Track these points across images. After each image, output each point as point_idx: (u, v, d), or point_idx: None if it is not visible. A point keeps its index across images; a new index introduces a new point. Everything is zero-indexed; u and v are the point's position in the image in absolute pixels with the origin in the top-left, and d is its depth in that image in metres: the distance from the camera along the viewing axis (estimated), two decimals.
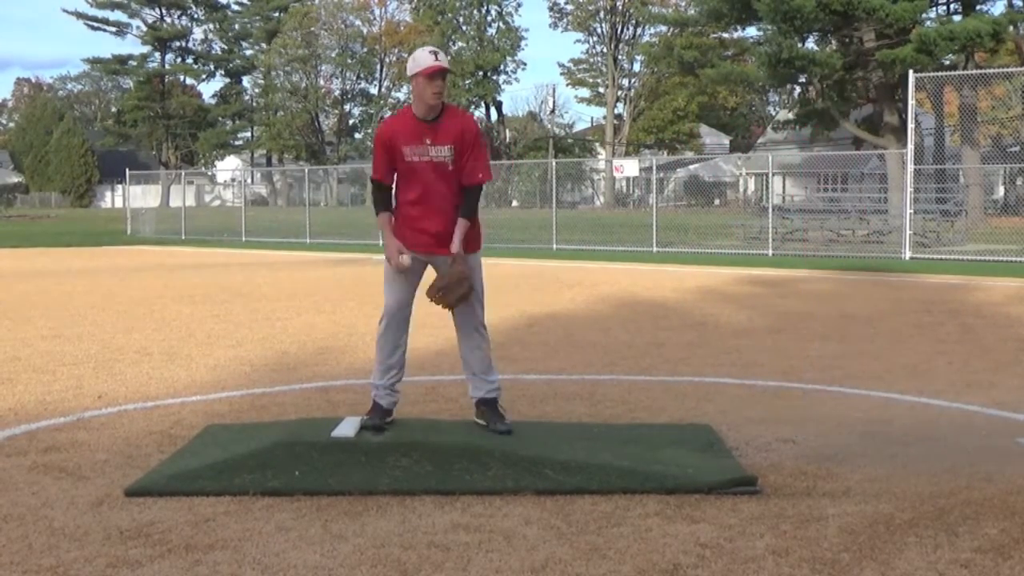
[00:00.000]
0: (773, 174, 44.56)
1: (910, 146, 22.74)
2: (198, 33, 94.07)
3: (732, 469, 5.07)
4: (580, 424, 6.23)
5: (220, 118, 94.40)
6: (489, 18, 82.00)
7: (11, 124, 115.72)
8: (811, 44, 37.60)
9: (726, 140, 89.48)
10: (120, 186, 78.05)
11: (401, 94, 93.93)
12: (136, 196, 56.76)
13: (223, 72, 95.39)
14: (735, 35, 42.06)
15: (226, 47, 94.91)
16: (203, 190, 74.39)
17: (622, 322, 11.53)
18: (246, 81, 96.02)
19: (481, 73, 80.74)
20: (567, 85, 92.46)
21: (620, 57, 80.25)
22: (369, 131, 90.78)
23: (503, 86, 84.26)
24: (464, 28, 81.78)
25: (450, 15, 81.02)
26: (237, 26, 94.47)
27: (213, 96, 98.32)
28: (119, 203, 77.86)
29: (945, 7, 36.53)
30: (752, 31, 40.12)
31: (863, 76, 36.07)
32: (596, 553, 4.04)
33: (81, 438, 5.96)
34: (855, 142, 42.80)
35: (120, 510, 4.61)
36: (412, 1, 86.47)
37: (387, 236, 5.71)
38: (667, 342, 9.88)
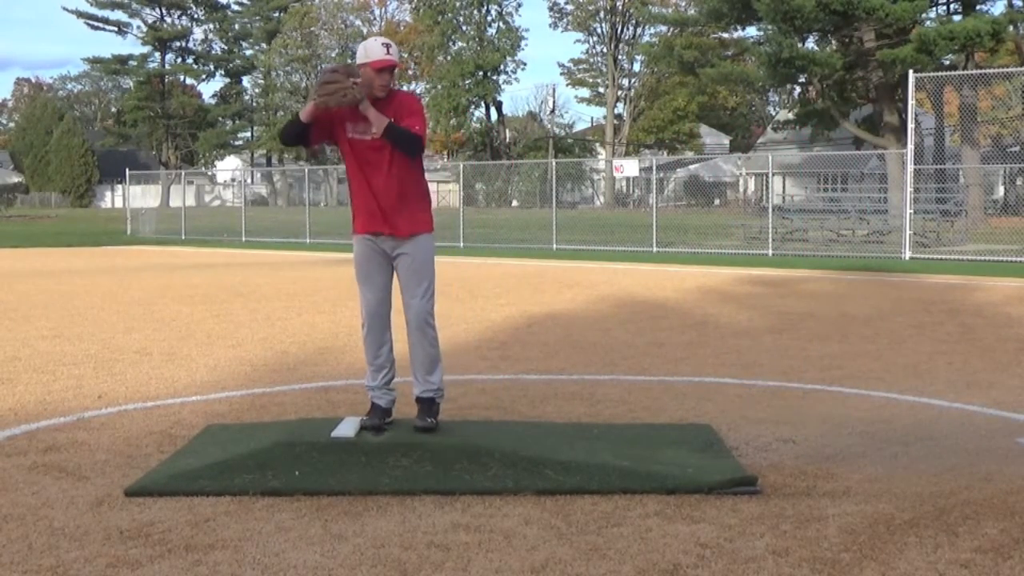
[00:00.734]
0: (773, 174, 44.54)
1: (910, 146, 22.74)
2: (198, 33, 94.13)
3: (732, 469, 5.07)
4: (580, 424, 6.23)
5: (220, 118, 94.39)
6: (489, 18, 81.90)
7: (11, 124, 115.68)
8: (811, 44, 37.61)
9: (726, 140, 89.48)
10: (120, 186, 78.08)
11: None
12: (136, 196, 56.82)
13: (223, 72, 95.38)
14: (735, 35, 42.06)
15: (226, 47, 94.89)
16: (203, 190, 74.47)
17: (622, 322, 11.53)
18: (246, 81, 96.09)
19: (481, 73, 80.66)
20: (567, 85, 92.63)
21: (620, 57, 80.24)
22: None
23: (503, 86, 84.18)
24: (464, 28, 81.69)
25: (450, 15, 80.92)
26: (237, 26, 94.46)
27: (213, 96, 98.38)
28: (119, 203, 77.87)
29: (945, 7, 36.53)
30: (752, 31, 40.13)
31: (863, 76, 36.06)
32: (596, 553, 4.04)
33: (81, 438, 5.96)
34: (855, 142, 42.82)
35: (120, 510, 4.61)
36: (412, 1, 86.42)
37: (308, 104, 5.60)
38: (667, 342, 9.88)
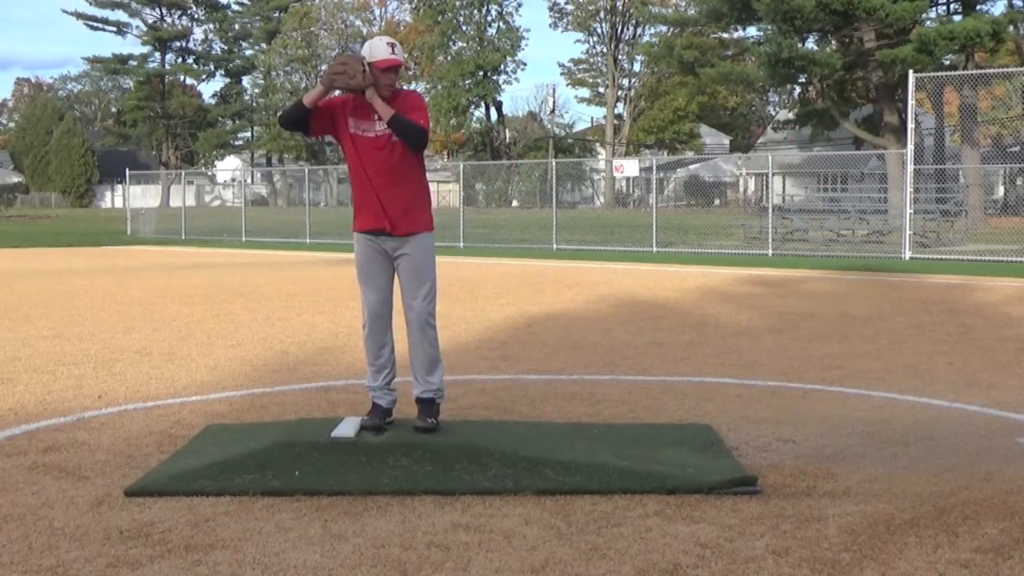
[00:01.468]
0: (773, 174, 44.55)
1: (910, 146, 22.74)
2: (198, 33, 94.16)
3: (732, 469, 5.07)
4: (580, 424, 6.22)
5: (220, 118, 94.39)
6: (489, 18, 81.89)
7: (11, 124, 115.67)
8: (811, 44, 37.61)
9: (726, 140, 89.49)
10: (120, 186, 78.09)
11: None
12: (136, 196, 56.82)
13: (223, 72, 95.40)
14: (735, 35, 42.07)
15: (226, 47, 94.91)
16: (203, 190, 74.45)
17: (622, 322, 11.53)
18: (246, 81, 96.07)
19: (481, 73, 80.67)
20: (567, 85, 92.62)
21: (620, 57, 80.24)
22: None
23: (503, 86, 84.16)
24: (464, 28, 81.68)
25: (450, 15, 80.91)
26: (237, 26, 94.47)
27: (213, 96, 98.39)
28: (119, 203, 77.88)
29: (945, 7, 36.54)
30: (752, 31, 40.15)
31: (863, 76, 36.07)
32: (596, 553, 4.04)
33: (81, 438, 5.96)
34: (855, 142, 42.84)
35: (120, 510, 4.61)
36: (412, 1, 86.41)
37: (314, 90, 5.61)
38: (667, 342, 9.88)
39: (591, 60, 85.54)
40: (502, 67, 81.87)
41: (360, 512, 4.55)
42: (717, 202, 64.37)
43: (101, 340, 10.03)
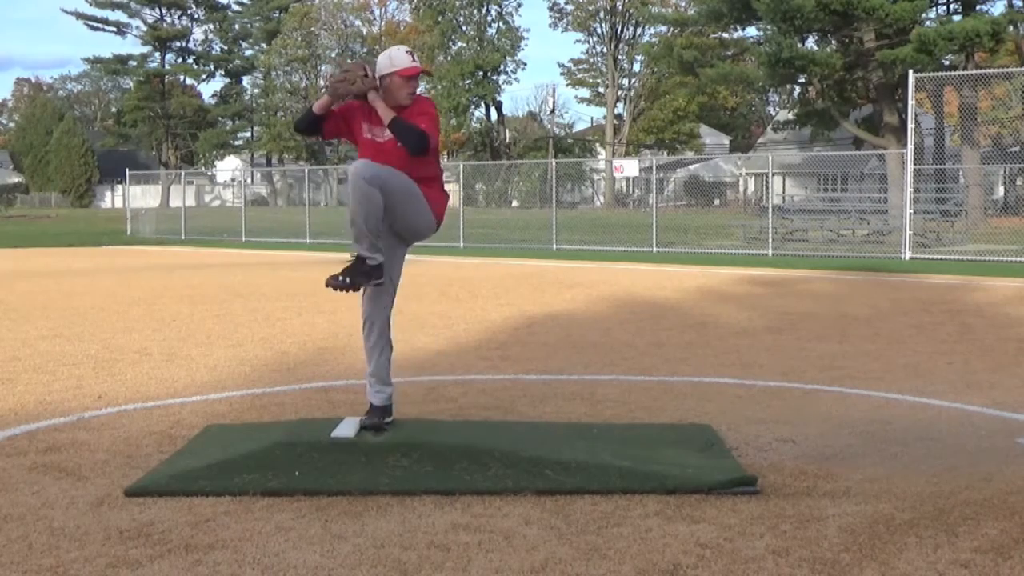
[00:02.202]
0: (773, 174, 44.55)
1: (910, 146, 22.75)
2: (198, 33, 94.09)
3: (732, 469, 5.07)
4: (580, 424, 6.22)
5: (220, 118, 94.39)
6: (489, 18, 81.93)
7: (11, 124, 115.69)
8: (811, 44, 37.59)
9: (726, 140, 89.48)
10: (120, 186, 78.08)
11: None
12: (136, 196, 56.79)
13: (223, 72, 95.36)
14: (735, 35, 42.05)
15: (226, 47, 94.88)
16: (203, 190, 74.38)
17: (622, 322, 11.53)
18: (246, 81, 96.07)
19: (481, 73, 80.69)
20: (567, 85, 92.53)
21: (620, 57, 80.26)
22: None
23: (503, 86, 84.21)
24: (464, 28, 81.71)
25: (450, 15, 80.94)
26: (237, 26, 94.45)
27: (213, 96, 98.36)
28: (119, 203, 77.86)
29: (945, 7, 36.52)
30: (752, 31, 40.13)
31: (863, 76, 36.05)
32: (596, 553, 4.04)
33: (81, 438, 5.96)
34: (855, 142, 42.81)
35: (120, 510, 4.61)
36: (412, 1, 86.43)
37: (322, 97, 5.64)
38: (667, 342, 9.88)
39: (591, 60, 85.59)
40: (502, 67, 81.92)
41: (360, 512, 4.55)
42: (717, 202, 64.35)
43: (101, 340, 10.03)
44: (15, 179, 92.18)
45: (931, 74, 27.04)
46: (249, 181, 69.18)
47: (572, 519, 4.45)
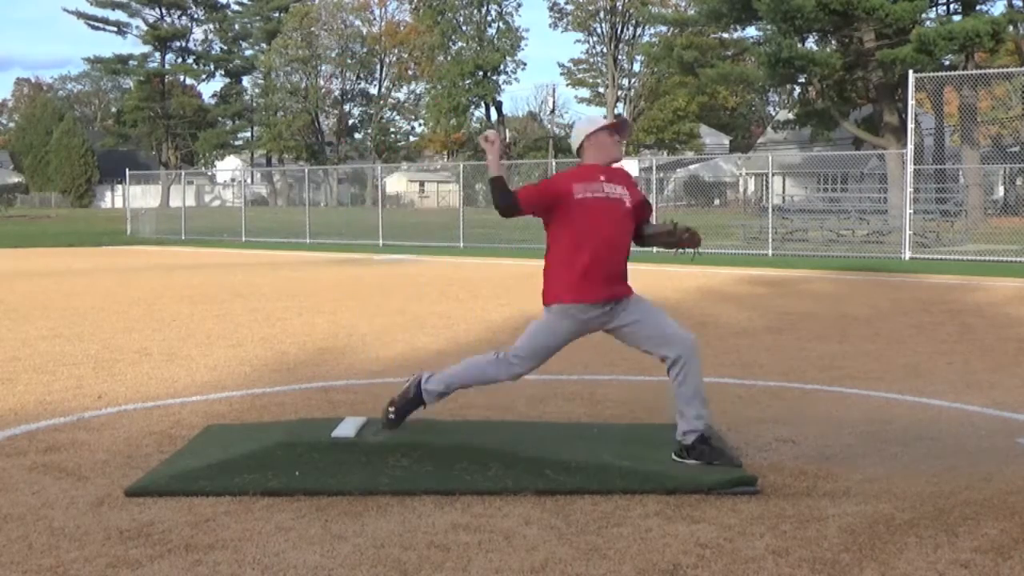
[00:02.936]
0: (773, 174, 44.55)
1: (910, 146, 22.75)
2: (198, 33, 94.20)
3: (732, 469, 5.07)
4: (580, 424, 6.23)
5: (220, 118, 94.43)
6: (489, 18, 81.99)
7: (11, 124, 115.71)
8: (811, 44, 37.61)
9: (726, 140, 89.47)
10: (120, 186, 78.10)
11: (401, 94, 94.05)
12: (136, 196, 56.79)
13: (223, 72, 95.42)
14: (735, 35, 42.07)
15: (226, 47, 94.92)
16: (203, 190, 74.36)
17: None
18: (246, 81, 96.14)
19: (481, 73, 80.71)
20: (567, 85, 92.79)
21: (620, 57, 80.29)
22: (369, 131, 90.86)
23: (503, 86, 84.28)
24: (464, 28, 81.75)
25: (450, 15, 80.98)
26: (237, 26, 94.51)
27: (213, 96, 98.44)
28: (119, 203, 77.87)
29: (945, 7, 36.54)
30: (752, 31, 40.15)
31: (863, 76, 36.07)
32: (596, 553, 4.04)
33: (81, 438, 5.96)
34: (855, 142, 42.81)
35: (120, 510, 4.61)
36: (412, 1, 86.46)
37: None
38: None
39: (591, 60, 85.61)
40: (502, 67, 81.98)
41: (360, 512, 4.55)
42: (717, 202, 64.36)
43: (101, 340, 10.03)
44: (15, 179, 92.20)
45: (931, 74, 27.05)
46: (249, 181, 69.17)
47: (572, 519, 4.45)
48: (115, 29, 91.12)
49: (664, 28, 53.30)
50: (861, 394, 7.27)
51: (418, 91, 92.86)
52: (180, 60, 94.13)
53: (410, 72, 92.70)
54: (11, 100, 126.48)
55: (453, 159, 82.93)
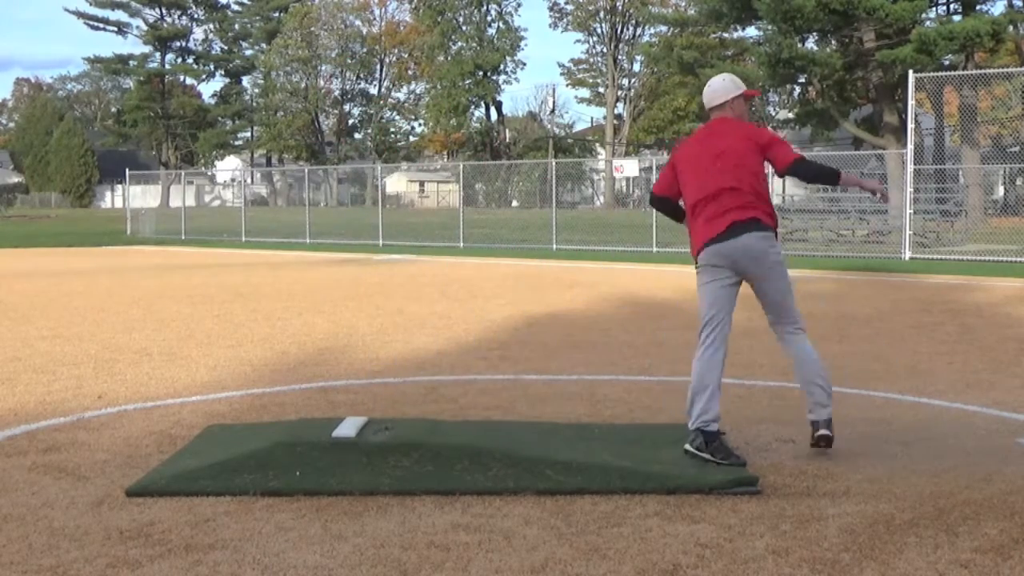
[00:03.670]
0: (773, 174, 44.49)
1: (910, 146, 22.75)
2: (198, 33, 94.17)
3: (733, 469, 5.07)
4: (580, 424, 6.23)
5: (220, 118, 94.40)
6: (489, 18, 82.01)
7: (11, 124, 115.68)
8: (811, 44, 37.60)
9: None
10: (120, 186, 78.13)
11: (401, 94, 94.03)
12: (136, 196, 56.84)
13: (223, 72, 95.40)
14: (735, 35, 42.06)
15: (226, 47, 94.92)
16: (203, 190, 74.45)
17: (622, 322, 11.53)
18: (246, 81, 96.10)
19: (481, 73, 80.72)
20: (567, 85, 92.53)
21: (620, 57, 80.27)
22: (369, 131, 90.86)
23: (503, 86, 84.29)
24: (464, 28, 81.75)
25: (450, 15, 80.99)
26: (237, 26, 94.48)
27: (213, 96, 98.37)
28: (119, 203, 77.90)
29: (945, 7, 36.52)
30: (752, 31, 40.14)
31: (863, 76, 36.05)
32: (596, 553, 4.04)
33: (81, 438, 5.96)
34: (855, 142, 42.79)
35: (120, 510, 4.61)
36: (412, 1, 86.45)
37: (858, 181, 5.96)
38: (667, 342, 9.88)
39: (591, 60, 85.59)
40: (502, 67, 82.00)
41: (360, 512, 4.55)
42: None
43: (101, 340, 10.04)
44: (15, 179, 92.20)
45: (931, 74, 27.04)
46: (249, 181, 69.19)
47: (572, 519, 4.45)
48: (115, 29, 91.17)
49: (664, 28, 53.30)
50: (861, 394, 7.27)
51: (418, 91, 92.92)
52: (180, 60, 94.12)
53: (410, 72, 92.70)
54: (11, 100, 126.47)
55: (453, 159, 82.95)
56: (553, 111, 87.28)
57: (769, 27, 33.82)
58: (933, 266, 19.72)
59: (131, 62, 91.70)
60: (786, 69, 33.26)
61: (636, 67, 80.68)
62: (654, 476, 4.92)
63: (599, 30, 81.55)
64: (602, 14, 79.85)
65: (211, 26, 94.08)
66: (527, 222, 34.97)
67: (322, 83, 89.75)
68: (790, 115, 49.77)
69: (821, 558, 3.98)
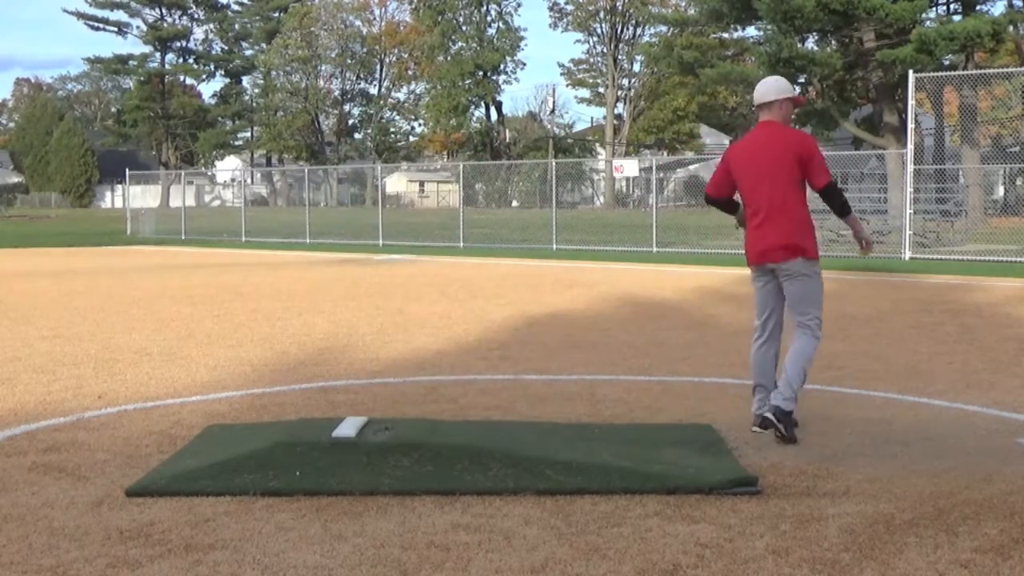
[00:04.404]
0: None
1: (910, 146, 22.74)
2: (198, 33, 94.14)
3: (732, 469, 5.07)
4: (580, 424, 6.22)
5: (220, 118, 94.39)
6: (489, 18, 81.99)
7: (11, 124, 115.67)
8: (811, 44, 37.61)
9: (726, 140, 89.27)
10: (120, 186, 78.11)
11: (401, 94, 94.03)
12: (136, 196, 56.82)
13: (223, 72, 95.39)
14: (735, 35, 42.06)
15: (226, 47, 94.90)
16: (203, 190, 74.37)
17: (622, 322, 11.53)
18: (246, 81, 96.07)
19: (481, 73, 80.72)
20: (567, 85, 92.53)
21: (620, 57, 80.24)
22: (369, 131, 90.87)
23: (503, 86, 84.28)
24: (464, 28, 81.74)
25: (450, 15, 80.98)
26: (237, 26, 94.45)
27: (213, 96, 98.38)
28: (119, 203, 77.89)
29: (945, 7, 36.52)
30: (752, 31, 40.13)
31: (863, 76, 36.06)
32: (596, 553, 4.04)
33: (81, 438, 5.96)
34: (855, 142, 42.80)
35: (120, 510, 4.61)
36: (412, 1, 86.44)
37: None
38: (667, 342, 9.88)
39: (591, 60, 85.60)
40: (502, 67, 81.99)
41: (360, 512, 4.55)
42: None
43: (101, 340, 10.04)
44: (15, 179, 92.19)
45: (931, 74, 27.02)
46: (249, 181, 69.16)
47: (572, 519, 4.45)
48: (115, 29, 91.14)
49: (664, 28, 53.28)
50: (861, 394, 7.27)
51: (418, 91, 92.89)
52: (180, 60, 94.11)
53: (410, 72, 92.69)
54: (11, 100, 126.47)
55: (453, 159, 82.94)
56: (553, 111, 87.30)
57: (769, 27, 33.81)
58: (933, 266, 19.72)
59: (131, 62, 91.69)
60: (786, 69, 33.21)
61: (636, 67, 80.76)
62: (654, 476, 4.92)
63: (599, 30, 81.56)
64: (602, 14, 79.82)
65: (211, 26, 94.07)
66: (527, 222, 34.97)
67: (322, 83, 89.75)
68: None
69: (821, 558, 3.98)
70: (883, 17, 31.04)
